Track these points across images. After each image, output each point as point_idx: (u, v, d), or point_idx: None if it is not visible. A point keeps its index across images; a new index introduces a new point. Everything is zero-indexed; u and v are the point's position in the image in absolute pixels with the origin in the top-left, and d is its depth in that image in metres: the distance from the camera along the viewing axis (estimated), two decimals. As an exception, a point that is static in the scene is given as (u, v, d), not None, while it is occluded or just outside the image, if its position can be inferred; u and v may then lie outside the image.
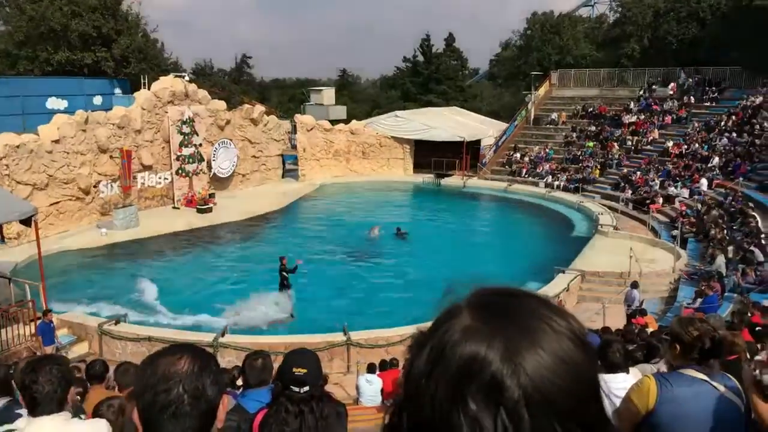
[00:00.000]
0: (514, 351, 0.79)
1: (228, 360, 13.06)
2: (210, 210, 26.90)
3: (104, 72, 37.33)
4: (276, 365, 6.34)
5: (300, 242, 23.73)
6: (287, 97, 62.63)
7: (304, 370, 2.77)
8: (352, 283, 18.71)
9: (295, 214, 29.06)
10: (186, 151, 28.08)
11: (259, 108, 34.11)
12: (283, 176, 35.35)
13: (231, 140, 30.47)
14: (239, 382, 6.68)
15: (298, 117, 36.21)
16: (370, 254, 22.00)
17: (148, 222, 24.30)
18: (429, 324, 0.89)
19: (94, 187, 24.20)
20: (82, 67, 36.86)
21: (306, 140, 34.78)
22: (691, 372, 3.12)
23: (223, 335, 13.65)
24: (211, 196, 28.32)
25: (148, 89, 27.76)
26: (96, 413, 3.46)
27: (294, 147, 36.32)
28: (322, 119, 37.03)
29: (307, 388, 2.76)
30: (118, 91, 37.41)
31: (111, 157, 24.73)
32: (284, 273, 17.05)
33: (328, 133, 35.58)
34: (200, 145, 28.71)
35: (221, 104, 30.86)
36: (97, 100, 35.75)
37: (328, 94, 48.11)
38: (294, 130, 36.99)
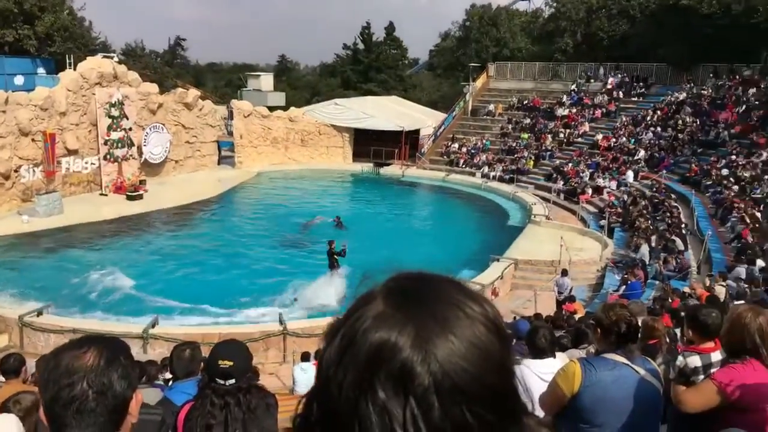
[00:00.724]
0: (425, 338, 0.77)
1: (158, 352, 12.68)
2: (140, 197, 26.03)
3: (26, 51, 35.29)
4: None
5: (236, 230, 23.32)
6: (224, 82, 61.17)
7: (230, 363, 2.70)
8: (288, 271, 18.52)
9: (231, 202, 28.51)
10: (115, 135, 26.98)
11: (194, 92, 33.13)
12: (218, 163, 34.56)
13: (163, 125, 29.49)
14: (167, 374, 6.47)
15: (234, 102, 35.45)
16: (307, 243, 21.85)
17: (73, 209, 23.23)
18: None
19: (15, 171, 22.90)
20: (2, 45, 34.69)
21: (243, 127, 34.09)
22: (614, 356, 3.23)
23: (153, 326, 13.22)
24: (142, 182, 27.39)
25: (74, 70, 26.46)
26: (3, 409, 3.25)
27: (230, 133, 35.57)
28: (259, 105, 36.34)
29: (233, 381, 2.69)
30: (41, 71, 35.48)
31: (33, 140, 23.44)
32: (334, 256, 17.34)
33: (266, 120, 35.00)
34: (130, 129, 27.66)
35: (153, 87, 29.76)
36: (19, 80, 33.81)
37: (267, 80, 47.28)
38: (230, 116, 36.19)
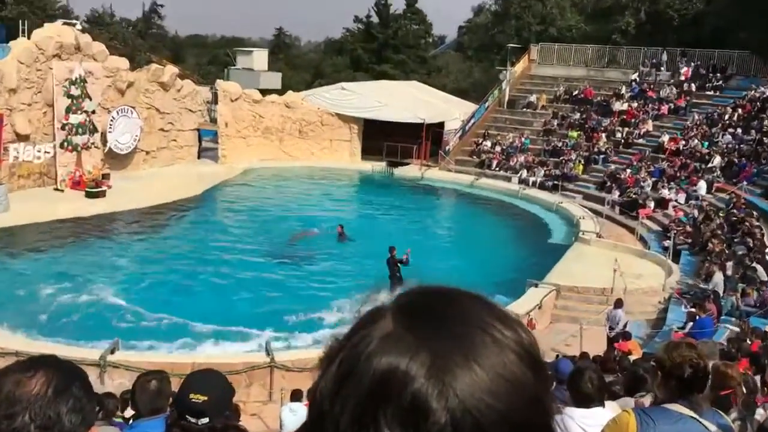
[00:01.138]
0: (443, 366, 0.77)
1: (119, 383, 12.73)
2: (103, 194, 26.23)
3: (-29, 13, 35.80)
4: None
5: (216, 239, 23.43)
6: (207, 59, 61.64)
7: (204, 398, 2.71)
8: (279, 292, 18.58)
9: (211, 204, 28.70)
10: (74, 119, 27.26)
11: (171, 69, 33.44)
12: (199, 156, 34.76)
13: (133, 108, 29.75)
14: (128, 412, 6.50)
15: (220, 83, 35.71)
16: (303, 258, 21.91)
17: (22, 206, 23.42)
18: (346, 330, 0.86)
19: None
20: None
21: (229, 113, 34.31)
22: (678, 407, 3.21)
23: (112, 352, 13.31)
24: (105, 176, 27.57)
25: (28, 38, 26.80)
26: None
27: (214, 121, 35.78)
28: (250, 88, 36.60)
29: (206, 420, 2.70)
30: (-12, 38, 35.93)
31: (-25, 121, 23.75)
32: (396, 265, 18.30)
33: (257, 106, 35.21)
34: (93, 112, 27.94)
35: (122, 62, 30.06)
36: (-40, 48, 34.22)
37: (260, 58, 47.60)
38: (215, 99, 36.42)
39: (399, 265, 18.40)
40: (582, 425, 4.23)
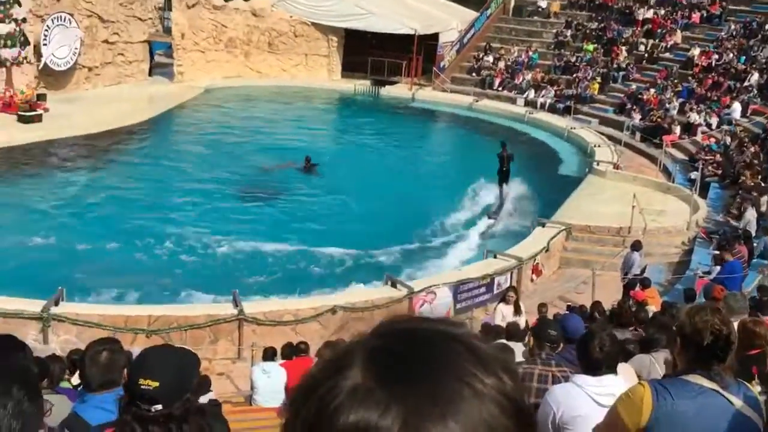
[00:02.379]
0: (417, 424, 0.79)
1: (64, 338, 12.89)
2: (38, 118, 25.93)
3: None
4: (137, 351, 6.25)
5: (173, 173, 23.33)
6: (159, -45, 60.04)
7: (155, 383, 2.73)
8: (245, 235, 18.66)
9: (166, 132, 28.48)
10: (2, 29, 26.72)
11: (116, -31, 32.59)
12: (150, 74, 34.22)
13: (72, 16, 29.13)
14: (74, 378, 6.58)
15: (174, -14, 34.89)
16: (271, 195, 21.94)
17: (-57, 134, 23.18)
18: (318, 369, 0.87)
19: None
20: None
21: (186, 22, 33.69)
22: (698, 379, 3.28)
23: (56, 304, 13.38)
24: (41, 98, 27.20)
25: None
26: None
27: (168, 31, 35.11)
28: (209, -9, 35.82)
29: (159, 407, 2.73)
30: None
31: None
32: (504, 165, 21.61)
33: (218, 13, 34.56)
34: (24, 20, 27.36)
35: (57, -41, 29.25)
36: None
37: (220, -46, 46.45)
38: (168, 5, 35.63)
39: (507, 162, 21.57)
40: (592, 394, 4.33)
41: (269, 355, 11.03)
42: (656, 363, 6.75)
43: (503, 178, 22.16)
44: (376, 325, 0.90)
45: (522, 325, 11.75)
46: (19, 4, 27.10)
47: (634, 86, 31.45)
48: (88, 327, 12.95)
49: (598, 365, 4.39)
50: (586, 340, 4.52)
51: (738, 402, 3.27)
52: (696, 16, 34.49)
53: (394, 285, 15.16)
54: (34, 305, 13.35)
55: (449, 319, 0.95)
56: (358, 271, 17.10)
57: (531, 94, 33.12)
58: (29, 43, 27.79)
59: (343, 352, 0.87)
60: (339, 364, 0.86)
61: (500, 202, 22.12)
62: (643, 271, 16.03)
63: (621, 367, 5.06)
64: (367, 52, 36.12)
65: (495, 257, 17.00)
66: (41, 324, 13.01)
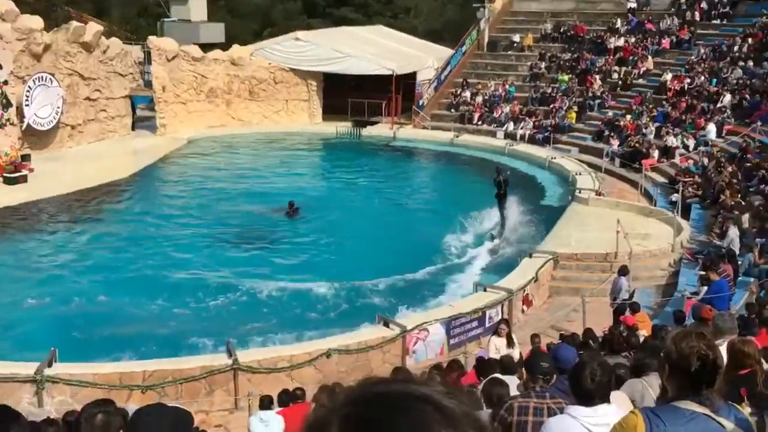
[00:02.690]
0: None
1: (59, 400, 12.74)
2: (23, 179, 25.99)
3: None
4: (132, 408, 6.20)
5: (162, 225, 23.30)
6: (136, 11, 60.46)
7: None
8: (237, 279, 18.62)
9: (152, 184, 28.45)
10: (-17, 93, 26.80)
11: (95, 27, 32.82)
12: (133, 128, 34.37)
13: (53, 75, 29.27)
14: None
15: (153, 40, 35.12)
16: (259, 242, 21.96)
17: (-71, 200, 23.10)
18: None
19: None
20: None
21: (166, 75, 33.89)
22: (689, 404, 3.32)
23: (50, 365, 13.24)
24: (25, 158, 27.22)
25: None
26: None
27: (149, 85, 35.29)
28: (189, 43, 36.07)
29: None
30: None
31: None
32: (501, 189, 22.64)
33: (198, 64, 34.81)
34: (5, 82, 27.47)
35: (36, 21, 29.40)
36: None
37: (198, 6, 46.71)
38: (148, 59, 35.86)
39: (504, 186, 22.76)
40: (587, 425, 4.35)
41: (266, 403, 10.93)
42: (649, 387, 6.76)
43: (501, 201, 23.10)
44: (351, 389, 0.93)
45: (516, 357, 11.73)
46: (1, 67, 27.21)
47: (610, 113, 31.79)
48: (82, 387, 12.83)
49: (590, 396, 4.41)
50: (578, 372, 4.54)
51: (729, 425, 3.31)
52: (666, 42, 35.03)
53: (386, 324, 15.11)
54: (28, 368, 13.19)
55: (421, 379, 0.97)
56: (350, 312, 17.04)
57: (510, 126, 33.38)
58: (11, 105, 27.85)
59: (320, 421, 0.90)
60: (317, 431, 0.89)
61: (502, 222, 23.03)
62: (631, 295, 16.06)
63: (614, 395, 5.08)
64: (346, 94, 36.50)
65: (485, 290, 16.99)
66: (35, 386, 12.86)
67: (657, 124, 29.36)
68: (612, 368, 5.80)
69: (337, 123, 35.88)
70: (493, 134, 33.37)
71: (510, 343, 12.54)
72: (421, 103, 36.46)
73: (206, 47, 37.07)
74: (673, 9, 37.01)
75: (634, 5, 37.97)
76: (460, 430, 0.88)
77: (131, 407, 6.85)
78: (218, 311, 17.16)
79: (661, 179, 25.85)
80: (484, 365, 10.66)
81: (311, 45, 36.46)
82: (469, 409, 0.93)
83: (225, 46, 38.12)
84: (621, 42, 35.92)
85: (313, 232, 22.67)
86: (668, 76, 32.17)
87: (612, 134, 29.93)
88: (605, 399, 4.48)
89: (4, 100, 27.56)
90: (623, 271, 16.44)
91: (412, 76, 36.92)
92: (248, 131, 35.16)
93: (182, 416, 3.07)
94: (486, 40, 39.21)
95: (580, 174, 26.36)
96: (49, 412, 10.86)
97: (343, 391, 0.95)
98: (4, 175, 25.99)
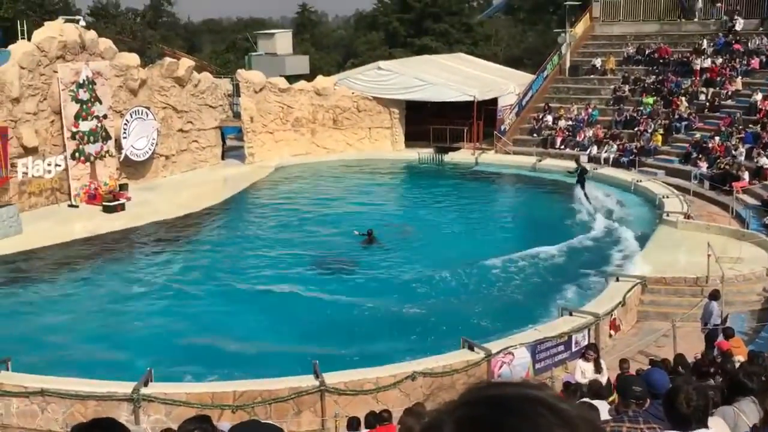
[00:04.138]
0: None
1: (155, 419, 13.08)
2: (121, 207, 26.81)
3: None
4: (224, 426, 6.31)
5: (253, 250, 23.77)
6: (225, 46, 62.39)
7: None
8: (324, 307, 18.76)
9: (242, 211, 29.02)
10: (85, 126, 27.89)
11: (187, 62, 33.95)
12: (223, 157, 35.25)
13: (148, 109, 30.31)
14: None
15: (241, 73, 36.10)
16: (345, 264, 22.11)
17: (35, 227, 24.13)
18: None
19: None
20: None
21: (254, 106, 34.70)
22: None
23: (146, 384, 13.62)
24: (123, 187, 28.18)
25: (29, 40, 27.48)
26: None
27: (237, 116, 36.18)
28: (275, 75, 36.95)
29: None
30: (-15, 43, 36.98)
31: (-21, 137, 24.49)
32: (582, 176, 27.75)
33: (284, 95, 35.52)
34: (105, 116, 28.53)
35: (133, 58, 30.65)
36: (-44, 56, 35.30)
37: (283, 40, 47.97)
38: (236, 91, 36.83)
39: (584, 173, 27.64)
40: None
41: (354, 425, 10.96)
42: (741, 414, 6.48)
43: (582, 184, 27.94)
44: (461, 392, 0.91)
45: (604, 382, 11.46)
46: (100, 102, 28.36)
47: (698, 135, 30.96)
48: (176, 405, 13.15)
49: (687, 421, 4.26)
50: (673, 396, 4.40)
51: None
52: (755, 62, 33.96)
53: (471, 348, 14.97)
54: (125, 387, 13.62)
55: (531, 382, 0.95)
56: (434, 336, 16.93)
57: (594, 150, 32.90)
58: (110, 138, 28.91)
59: (433, 423, 0.88)
60: None
61: (585, 197, 27.68)
62: (723, 320, 15.55)
63: (712, 420, 4.89)
64: (428, 121, 36.67)
65: (571, 314, 16.68)
66: (132, 405, 13.26)
67: (747, 146, 28.45)
68: (707, 392, 5.59)
69: (420, 149, 36.00)
70: (577, 158, 32.91)
71: (597, 369, 12.25)
72: (502, 128, 36.28)
73: (292, 79, 37.90)
74: (761, 28, 35.86)
75: (718, 27, 36.97)
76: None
77: (223, 425, 6.97)
78: (303, 333, 17.29)
79: (753, 201, 24.99)
80: (571, 390, 10.43)
81: (393, 74, 36.79)
82: (585, 412, 0.90)
83: (310, 77, 38.86)
84: (707, 63, 35.01)
85: (398, 257, 22.70)
86: (758, 97, 31.13)
87: (700, 156, 29.15)
88: (702, 424, 4.32)
89: (104, 133, 28.64)
90: (714, 295, 15.94)
91: (494, 102, 36.81)
92: (332, 158, 35.63)
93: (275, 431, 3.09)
94: (567, 64, 38.85)
95: (667, 197, 25.71)
96: (145, 429, 11.14)
97: (456, 395, 0.93)
98: (104, 203, 26.94)
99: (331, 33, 70.99)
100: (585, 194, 27.64)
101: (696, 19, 38.50)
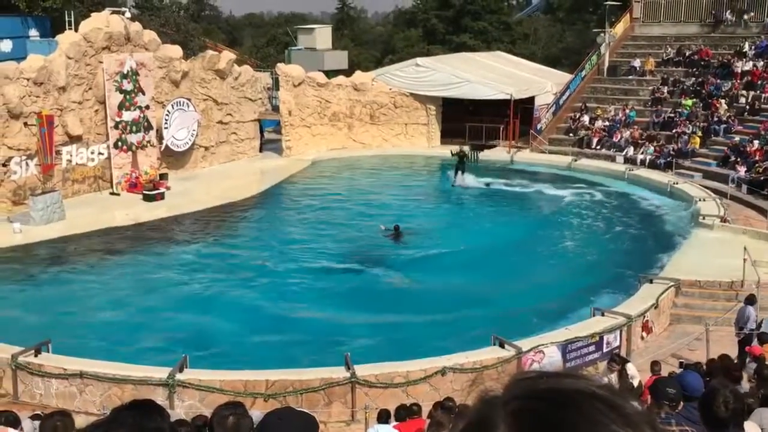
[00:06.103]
0: None
1: (189, 404, 13.20)
2: (161, 196, 27.10)
3: (15, 7, 37.46)
4: (257, 413, 6.34)
5: (287, 241, 23.89)
6: (266, 40, 62.75)
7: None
8: (357, 300, 18.80)
9: (277, 203, 29.21)
10: (128, 116, 28.23)
11: (228, 55, 34.18)
12: (261, 149, 35.49)
13: (189, 100, 30.59)
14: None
15: (281, 67, 36.25)
16: (377, 259, 22.11)
17: (77, 213, 24.49)
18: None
19: (3, 165, 24.39)
20: (-17, 0, 37.05)
21: (292, 99, 34.85)
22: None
23: (181, 370, 13.75)
24: (163, 177, 28.50)
25: (75, 31, 27.85)
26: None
27: (276, 109, 36.39)
28: (314, 70, 37.04)
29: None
30: (33, 33, 37.53)
31: (26, 124, 24.89)
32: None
33: (322, 90, 35.63)
34: (147, 107, 28.85)
35: (175, 50, 30.93)
36: (6, 45, 35.89)
37: (323, 35, 48.12)
38: (276, 85, 37.05)
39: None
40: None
41: (384, 417, 10.95)
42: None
43: (462, 170, 31.02)
44: (510, 382, 0.88)
45: (635, 384, 11.31)
46: (143, 93, 28.67)
47: (737, 138, 30.47)
48: (210, 392, 13.27)
49: (724, 424, 4.18)
50: (710, 399, 4.32)
51: None
52: (798, 65, 33.33)
53: (501, 345, 14.89)
54: (161, 372, 13.77)
55: (586, 375, 0.91)
56: (464, 331, 16.84)
57: (630, 151, 32.56)
58: (152, 128, 29.24)
59: (484, 414, 0.85)
60: (483, 428, 0.84)
61: (460, 180, 30.92)
62: (759, 325, 15.23)
63: (747, 424, 4.81)
64: (464, 118, 36.60)
65: (603, 315, 16.51)
66: (167, 390, 13.39)
67: (787, 150, 27.97)
68: (743, 396, 5.49)
69: (455, 146, 35.82)
70: (612, 159, 32.65)
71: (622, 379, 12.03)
72: (539, 127, 36.05)
73: (330, 74, 37.98)
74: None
75: (761, 30, 36.28)
76: (637, 429, 0.83)
77: (255, 413, 7.00)
78: (335, 326, 17.32)
79: (791, 207, 24.55)
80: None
81: (431, 71, 36.70)
82: (642, 409, 0.87)
83: (348, 73, 38.95)
84: (749, 66, 34.42)
85: (428, 254, 22.65)
86: (800, 101, 30.58)
87: (738, 160, 28.69)
88: (740, 427, 4.24)
89: (146, 123, 28.97)
90: (751, 300, 15.65)
91: (530, 100, 36.59)
92: (368, 153, 35.69)
93: (311, 423, 3.08)
94: (606, 64, 38.49)
95: (704, 200, 25.33)
96: (180, 414, 11.23)
97: (503, 386, 0.89)
98: (144, 192, 27.27)
99: (370, 29, 71.04)
100: (462, 178, 30.56)
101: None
